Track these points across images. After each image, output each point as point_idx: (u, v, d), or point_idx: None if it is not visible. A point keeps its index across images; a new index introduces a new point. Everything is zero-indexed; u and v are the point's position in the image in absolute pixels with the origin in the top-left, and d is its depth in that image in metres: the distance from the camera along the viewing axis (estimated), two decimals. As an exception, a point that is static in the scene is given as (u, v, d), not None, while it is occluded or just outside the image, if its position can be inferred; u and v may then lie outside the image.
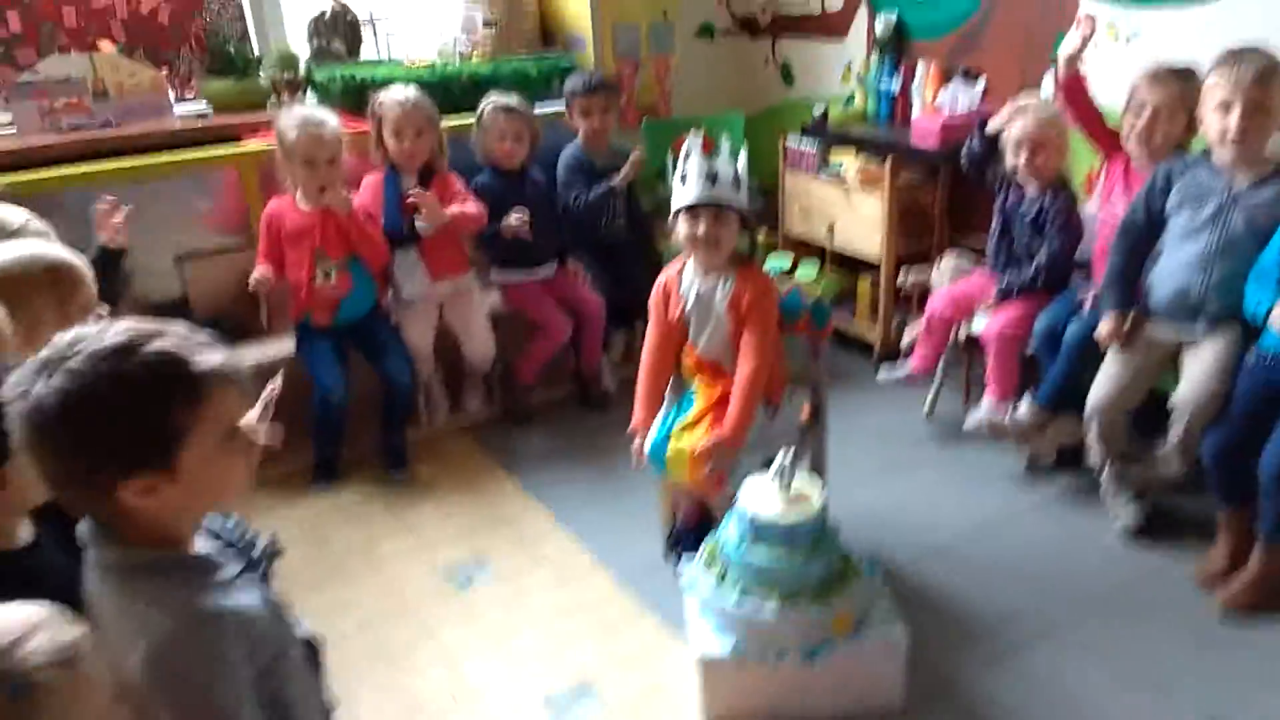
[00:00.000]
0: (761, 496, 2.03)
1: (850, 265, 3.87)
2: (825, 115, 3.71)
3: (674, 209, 2.31)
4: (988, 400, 2.91)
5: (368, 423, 3.14)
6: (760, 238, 3.54)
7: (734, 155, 2.29)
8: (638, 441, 2.38)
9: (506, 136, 3.26)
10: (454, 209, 3.13)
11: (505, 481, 3.07)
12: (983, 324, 2.97)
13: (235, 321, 3.17)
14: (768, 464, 2.07)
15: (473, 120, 3.33)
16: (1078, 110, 2.76)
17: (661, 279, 2.44)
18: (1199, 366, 2.39)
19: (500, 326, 3.39)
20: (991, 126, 2.89)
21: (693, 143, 2.29)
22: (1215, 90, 2.30)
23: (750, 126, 3.96)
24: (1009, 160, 2.87)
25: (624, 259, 3.59)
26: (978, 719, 2.04)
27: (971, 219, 3.54)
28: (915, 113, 3.56)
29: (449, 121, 3.31)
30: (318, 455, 3.09)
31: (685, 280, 2.39)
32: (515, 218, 3.20)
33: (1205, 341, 2.42)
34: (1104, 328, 2.52)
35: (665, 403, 2.44)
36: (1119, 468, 2.59)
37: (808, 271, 2.54)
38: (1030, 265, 2.88)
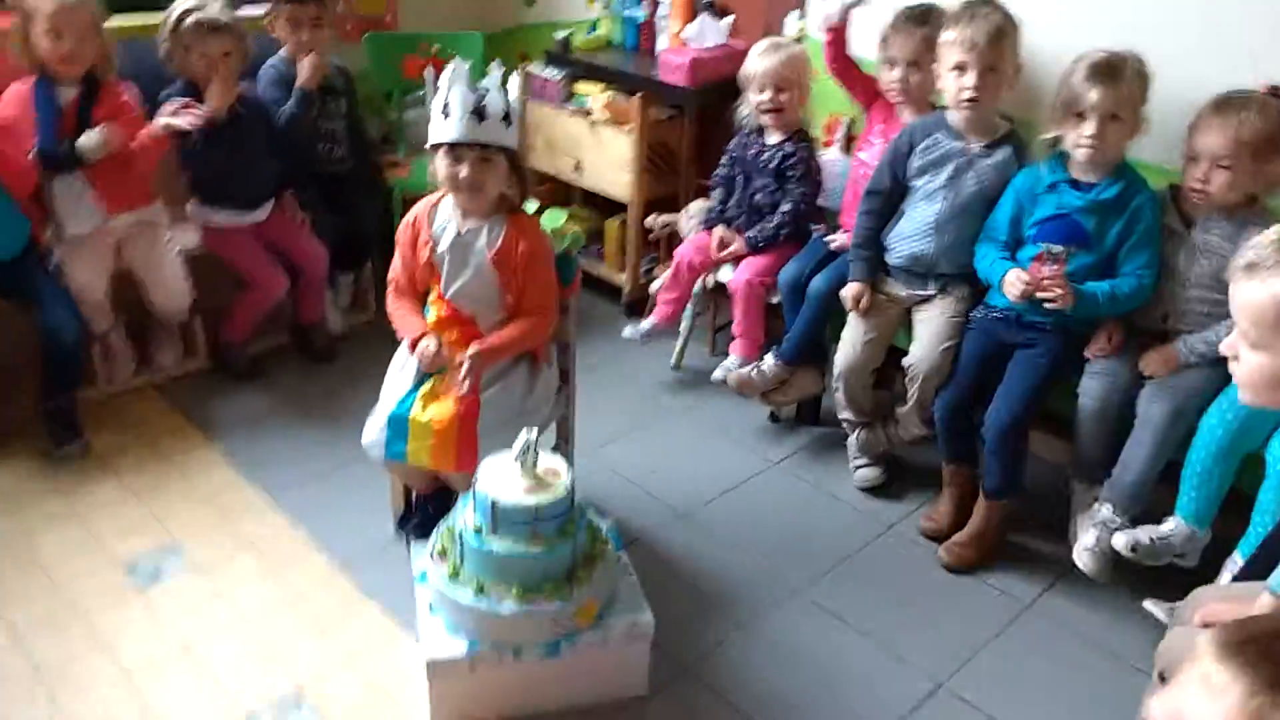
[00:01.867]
0: (502, 479, 1.82)
1: (599, 205, 3.69)
2: (568, 41, 3.46)
3: (431, 142, 2.00)
4: (735, 353, 2.85)
5: (29, 386, 2.60)
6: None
7: (504, 84, 1.99)
8: (427, 342, 2.07)
9: (214, 61, 2.73)
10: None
11: (205, 451, 2.65)
12: (726, 275, 2.90)
13: None
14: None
15: (157, 22, 2.77)
16: (836, 63, 2.68)
17: (412, 214, 2.14)
18: (929, 328, 2.42)
19: (200, 267, 2.91)
20: None
21: (457, 70, 1.96)
22: (950, 50, 2.29)
23: (489, 48, 3.62)
24: (751, 99, 2.78)
25: (348, 193, 3.19)
26: (722, 693, 1.98)
27: (715, 162, 3.45)
28: (661, 44, 3.38)
29: (121, 22, 2.74)
30: (-42, 427, 2.53)
31: (439, 218, 2.10)
32: (187, 119, 2.67)
33: (936, 301, 2.46)
34: (850, 294, 2.50)
35: (404, 370, 2.14)
36: (863, 432, 2.61)
37: (554, 219, 2.31)
38: (775, 216, 2.82)
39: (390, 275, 2.18)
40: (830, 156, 2.95)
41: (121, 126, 2.61)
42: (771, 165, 2.80)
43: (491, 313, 2.13)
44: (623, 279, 3.50)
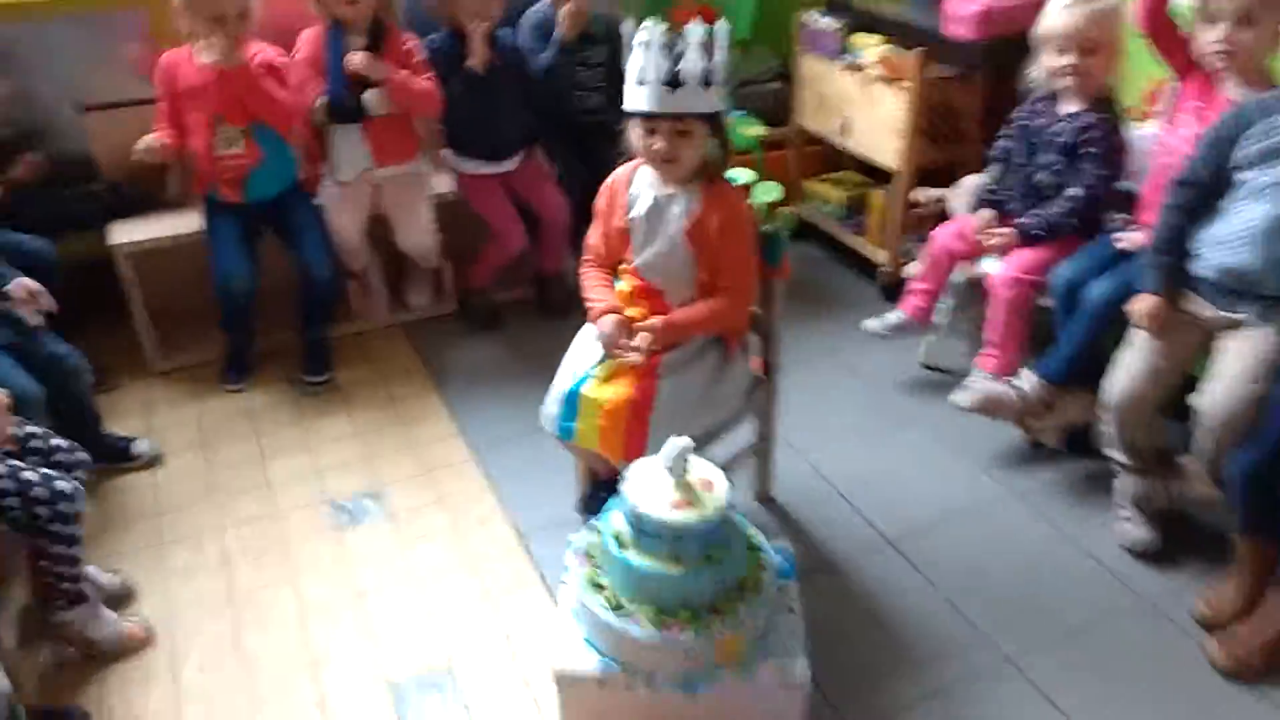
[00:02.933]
0: (651, 484, 1.65)
1: (867, 170, 3.34)
2: (853, -12, 3.11)
3: (626, 108, 1.84)
4: (983, 366, 2.44)
5: (291, 318, 2.81)
6: (758, 131, 3.05)
7: (706, 45, 1.79)
8: (606, 319, 1.92)
9: (478, 9, 2.72)
10: (414, 82, 2.68)
11: (430, 399, 2.72)
12: (992, 266, 2.48)
13: (145, 187, 2.81)
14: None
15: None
16: (1152, 18, 2.15)
17: (612, 176, 2.01)
18: (1235, 363, 1.90)
19: (452, 213, 2.98)
20: None
21: (652, 32, 1.79)
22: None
23: (766, -5, 3.36)
24: (1046, 63, 2.31)
25: (600, 146, 3.10)
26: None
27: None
28: (960, -8, 2.93)
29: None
30: (227, 348, 2.78)
31: (637, 182, 1.96)
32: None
33: (1250, 329, 1.92)
34: (1141, 309, 2.02)
35: (589, 344, 2.03)
36: (1135, 480, 2.13)
37: (767, 192, 2.06)
38: (1058, 201, 2.35)
39: (586, 240, 2.06)
40: (1144, 131, 2.40)
41: (403, 77, 2.69)
42: (1061, 139, 2.33)
43: (682, 288, 1.95)
44: (882, 257, 3.15)
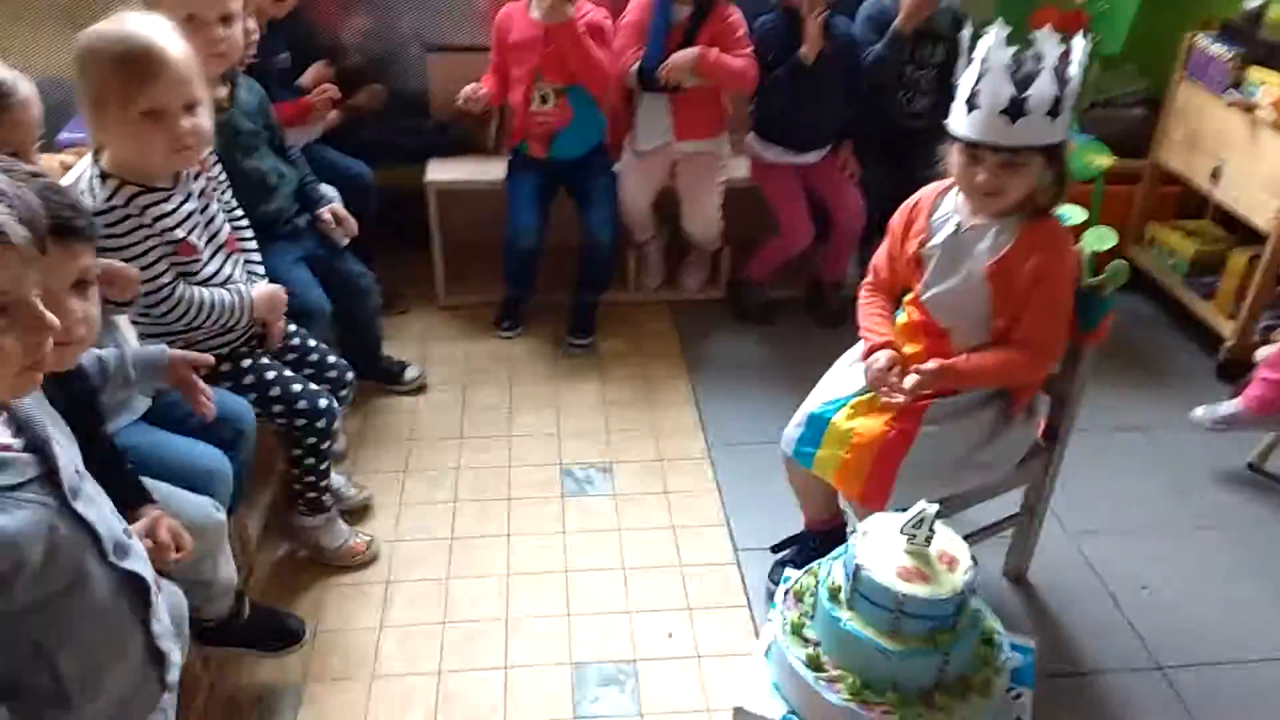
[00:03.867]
0: (886, 542, 1.46)
1: (1230, 225, 2.84)
2: (1259, 12, 2.61)
3: (950, 128, 1.63)
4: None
5: (569, 278, 2.84)
6: (1105, 161, 2.69)
7: (1060, 66, 1.54)
8: (879, 355, 1.73)
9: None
10: (726, 61, 2.60)
11: (680, 384, 2.66)
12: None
13: (470, 131, 2.94)
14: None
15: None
16: None
17: (915, 197, 1.81)
18: None
19: (741, 199, 2.88)
20: None
21: (995, 50, 1.55)
22: None
23: (1148, 4, 2.90)
24: None
25: (917, 155, 2.86)
26: None
27: None
28: None
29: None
30: (506, 295, 2.86)
31: (943, 206, 1.74)
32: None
33: None
34: None
35: (850, 370, 1.85)
36: None
37: (1101, 239, 1.75)
38: None
39: (872, 262, 1.87)
40: None
41: (722, 51, 2.61)
42: None
43: (973, 332, 1.71)
44: (1229, 330, 2.66)
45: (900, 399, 1.68)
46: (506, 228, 2.68)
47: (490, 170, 2.85)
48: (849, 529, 1.79)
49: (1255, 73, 2.57)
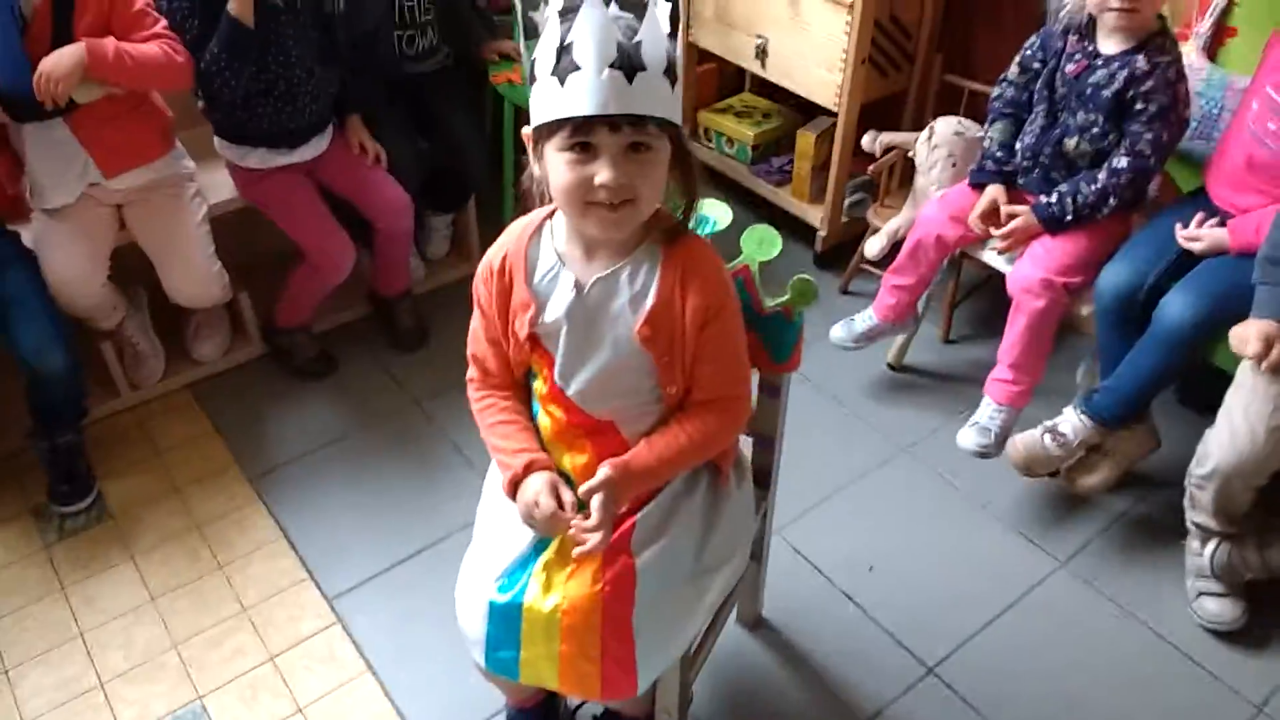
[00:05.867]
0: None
1: (774, 95, 2.63)
2: None
3: (537, 120, 1.06)
4: (1000, 393, 1.88)
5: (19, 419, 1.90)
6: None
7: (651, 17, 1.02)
8: (536, 500, 1.17)
9: None
10: (133, 50, 1.72)
11: (250, 512, 1.90)
12: (1003, 261, 1.89)
13: None
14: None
15: None
16: None
17: (492, 255, 1.20)
18: None
19: (240, 225, 2.08)
20: None
21: None
22: None
23: None
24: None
25: (440, 103, 2.25)
26: None
27: (969, 50, 2.34)
28: None
29: None
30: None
31: (541, 261, 1.18)
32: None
33: None
34: (1258, 339, 1.48)
35: (509, 514, 1.28)
36: (1222, 547, 1.65)
37: (764, 245, 1.34)
38: (1097, 174, 1.76)
39: (469, 349, 1.27)
40: (1193, 67, 1.82)
41: (121, 38, 1.74)
42: (1105, 92, 1.71)
43: (643, 413, 1.23)
44: (818, 216, 2.49)
45: (597, 539, 1.17)
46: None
47: None
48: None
49: (774, -67, 2.29)
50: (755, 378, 1.35)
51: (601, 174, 1.04)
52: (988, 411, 1.89)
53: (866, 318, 2.09)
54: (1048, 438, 1.76)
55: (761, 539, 1.56)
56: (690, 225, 1.20)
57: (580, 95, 1.00)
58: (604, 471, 1.15)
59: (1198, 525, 1.66)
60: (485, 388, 1.26)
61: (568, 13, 1.01)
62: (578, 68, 1.00)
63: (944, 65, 2.29)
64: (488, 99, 2.55)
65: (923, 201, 2.12)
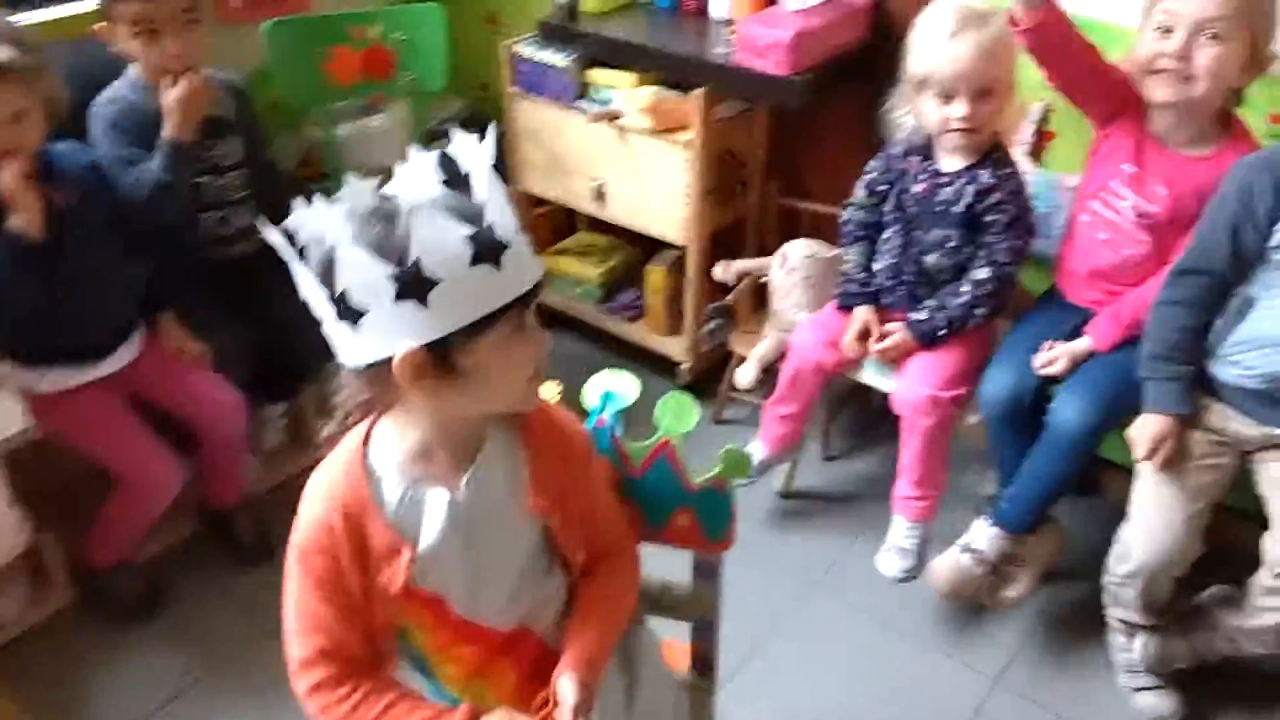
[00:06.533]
0: None
1: (620, 233, 2.58)
2: (574, 6, 2.27)
3: (396, 351, 0.88)
4: (911, 510, 1.84)
5: None
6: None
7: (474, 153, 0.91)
8: None
9: None
10: None
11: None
12: (886, 381, 1.87)
13: None
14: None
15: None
16: (1050, 49, 1.61)
17: (321, 515, 0.97)
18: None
19: (39, 458, 1.76)
20: None
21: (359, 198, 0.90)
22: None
23: (451, 18, 2.41)
24: (929, 110, 1.70)
25: (262, 284, 2.03)
26: None
27: (801, 174, 2.37)
28: (718, 3, 2.23)
29: None
30: None
31: (387, 488, 0.98)
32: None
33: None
34: (1148, 435, 1.50)
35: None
36: (1152, 640, 1.64)
37: (678, 415, 1.22)
38: (964, 285, 1.77)
39: (304, 645, 0.99)
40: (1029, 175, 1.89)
41: None
42: (958, 208, 1.74)
43: (548, 599, 1.08)
44: (678, 348, 2.42)
45: None
46: None
47: None
48: None
49: (596, 75, 2.26)
50: (689, 557, 1.23)
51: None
52: (902, 531, 1.84)
53: (758, 451, 2.01)
54: (966, 557, 1.72)
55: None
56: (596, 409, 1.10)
57: (455, 306, 0.86)
58: (567, 681, 0.98)
59: (1122, 621, 1.64)
60: (348, 679, 0.98)
61: (386, 220, 0.86)
62: (436, 281, 0.84)
63: (780, 190, 2.32)
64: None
65: (784, 323, 2.10)
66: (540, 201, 2.57)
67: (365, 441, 0.99)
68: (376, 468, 0.98)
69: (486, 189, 0.88)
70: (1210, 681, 1.67)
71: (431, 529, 0.97)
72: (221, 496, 1.95)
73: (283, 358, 2.05)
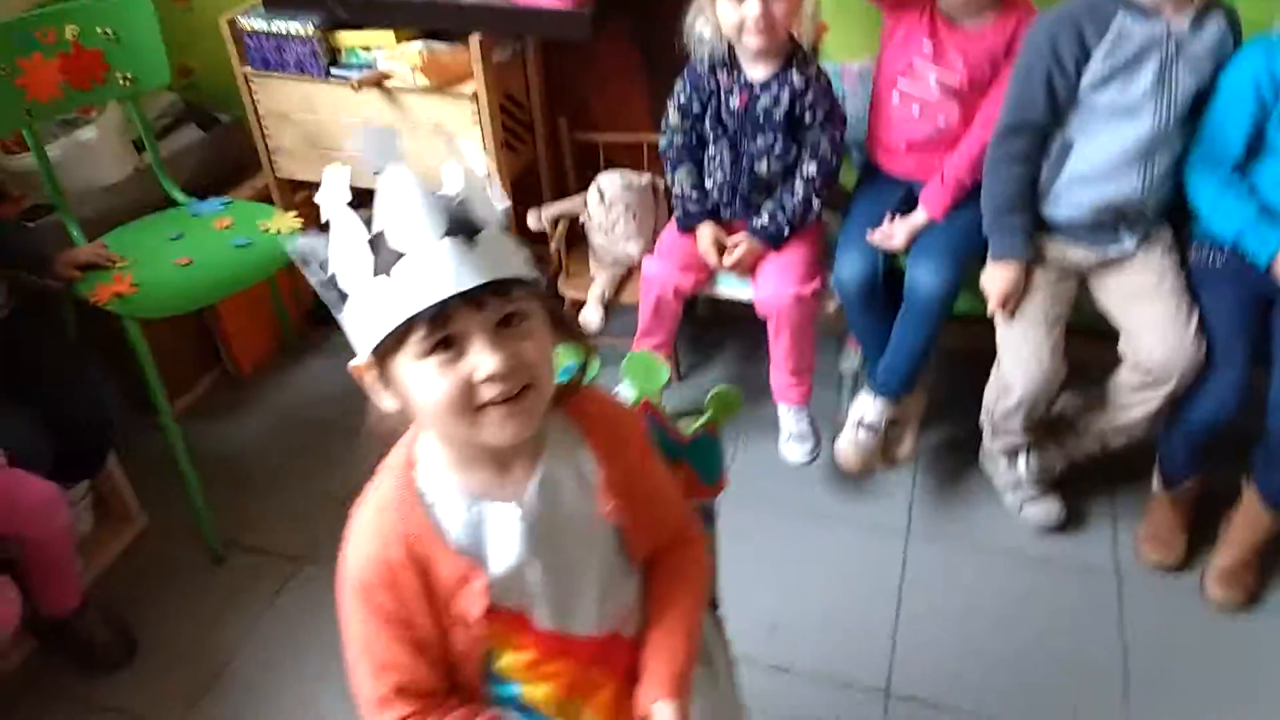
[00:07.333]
0: None
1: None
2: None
3: (370, 340, 0.80)
4: (787, 401, 1.92)
5: None
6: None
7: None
8: None
9: None
10: None
11: None
12: (744, 289, 1.90)
13: None
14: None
15: None
16: None
17: (378, 551, 0.86)
18: (1150, 303, 1.65)
19: None
20: None
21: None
22: None
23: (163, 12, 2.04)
24: (721, 17, 1.71)
25: (32, 357, 1.69)
26: None
27: (587, 106, 2.31)
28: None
29: None
30: None
31: (450, 515, 0.87)
32: None
33: (1137, 260, 1.69)
34: (1000, 285, 1.65)
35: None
36: (1033, 456, 1.83)
37: (648, 374, 1.17)
38: (796, 182, 1.83)
39: (376, 682, 0.89)
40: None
41: None
42: (778, 115, 1.78)
43: (625, 597, 1.01)
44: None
45: None
46: None
47: None
48: None
49: (347, 38, 2.04)
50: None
51: (482, 365, 0.79)
52: (791, 418, 1.91)
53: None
54: (862, 433, 1.82)
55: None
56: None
57: (419, 281, 0.77)
58: (668, 711, 0.93)
59: (1004, 449, 1.82)
60: (430, 713, 0.89)
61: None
62: (401, 254, 0.77)
63: (570, 125, 2.25)
64: (90, 325, 1.97)
65: (612, 257, 2.08)
66: (304, 185, 2.33)
67: (410, 463, 0.86)
68: (428, 490, 0.87)
69: (459, 171, 0.82)
70: (1075, 481, 1.91)
71: (502, 549, 0.87)
72: (61, 602, 1.63)
73: (71, 430, 1.73)
